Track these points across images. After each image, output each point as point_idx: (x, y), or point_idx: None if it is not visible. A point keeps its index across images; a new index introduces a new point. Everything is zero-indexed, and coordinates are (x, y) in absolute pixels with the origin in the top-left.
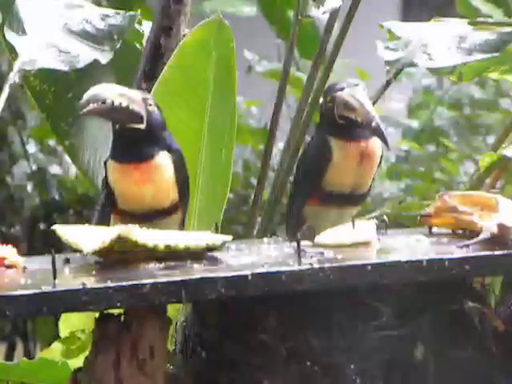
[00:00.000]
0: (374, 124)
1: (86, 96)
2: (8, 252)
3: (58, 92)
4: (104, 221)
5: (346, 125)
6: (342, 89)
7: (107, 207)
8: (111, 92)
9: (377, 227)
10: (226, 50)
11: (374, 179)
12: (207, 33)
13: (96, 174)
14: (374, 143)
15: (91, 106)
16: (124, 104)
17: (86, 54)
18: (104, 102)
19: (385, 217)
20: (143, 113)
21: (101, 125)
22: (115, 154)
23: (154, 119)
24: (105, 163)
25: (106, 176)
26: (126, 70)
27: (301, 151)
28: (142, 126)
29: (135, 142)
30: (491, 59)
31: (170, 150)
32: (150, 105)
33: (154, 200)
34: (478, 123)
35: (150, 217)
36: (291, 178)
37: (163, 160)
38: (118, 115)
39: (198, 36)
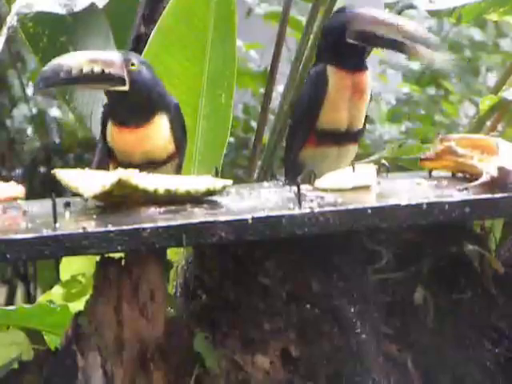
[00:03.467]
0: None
1: (47, 67)
2: (18, 191)
3: (52, 35)
4: (104, 165)
5: (346, 52)
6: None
7: (105, 156)
8: (78, 60)
9: (377, 171)
10: None
11: (367, 115)
12: None
13: (92, 119)
14: (367, 76)
15: (53, 78)
16: (96, 69)
17: None
18: (70, 72)
19: (384, 161)
20: (124, 75)
21: None
22: (112, 115)
23: (140, 79)
24: (103, 119)
25: (103, 130)
26: (122, 14)
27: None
28: (125, 88)
29: (126, 104)
30: (491, 0)
31: (165, 107)
32: (133, 64)
33: (150, 155)
34: (478, 65)
35: (147, 167)
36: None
37: (159, 121)
38: (92, 82)
39: None
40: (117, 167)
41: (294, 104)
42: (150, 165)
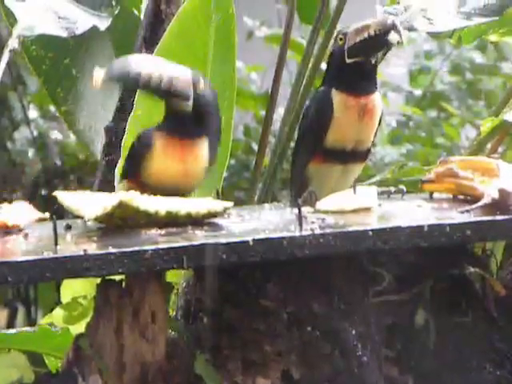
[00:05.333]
0: (389, 22)
1: (120, 63)
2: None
3: (55, 58)
4: (105, 187)
5: (350, 74)
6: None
7: (124, 175)
8: (149, 67)
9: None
10: (225, 16)
11: (375, 135)
12: None
13: (92, 140)
14: (375, 99)
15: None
16: (165, 82)
17: (84, 21)
18: (138, 77)
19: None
20: (190, 94)
21: (97, 92)
22: (166, 127)
23: (203, 101)
24: (144, 134)
25: (139, 144)
26: (124, 36)
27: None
28: (189, 108)
29: (184, 120)
30: (490, 22)
31: (211, 136)
32: (200, 86)
33: (183, 181)
34: (479, 88)
35: (170, 194)
36: (292, 144)
37: (203, 143)
38: (159, 93)
39: (198, 2)
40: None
41: (302, 118)
42: (177, 194)
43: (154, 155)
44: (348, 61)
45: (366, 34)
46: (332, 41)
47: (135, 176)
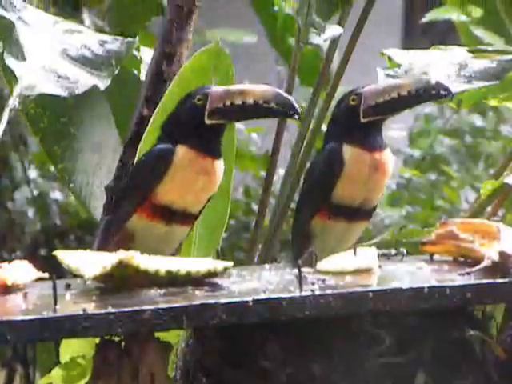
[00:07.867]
0: (433, 82)
1: None
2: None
3: (52, 116)
4: (105, 246)
5: (363, 131)
6: (363, 87)
7: (135, 202)
8: None
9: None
10: (225, 78)
11: (383, 194)
12: (207, 60)
13: (88, 198)
14: (387, 155)
15: None
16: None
17: (84, 80)
18: None
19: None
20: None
21: (94, 149)
22: (195, 143)
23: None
24: (168, 149)
25: (159, 163)
26: (123, 95)
27: (305, 170)
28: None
29: (217, 138)
30: (491, 87)
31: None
32: None
33: (198, 197)
34: (478, 151)
35: (177, 218)
36: (292, 205)
37: (222, 163)
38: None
39: (198, 63)
40: (144, 217)
41: (308, 172)
42: (180, 218)
43: (177, 169)
44: (363, 120)
45: (395, 94)
46: (333, 102)
47: (147, 197)
